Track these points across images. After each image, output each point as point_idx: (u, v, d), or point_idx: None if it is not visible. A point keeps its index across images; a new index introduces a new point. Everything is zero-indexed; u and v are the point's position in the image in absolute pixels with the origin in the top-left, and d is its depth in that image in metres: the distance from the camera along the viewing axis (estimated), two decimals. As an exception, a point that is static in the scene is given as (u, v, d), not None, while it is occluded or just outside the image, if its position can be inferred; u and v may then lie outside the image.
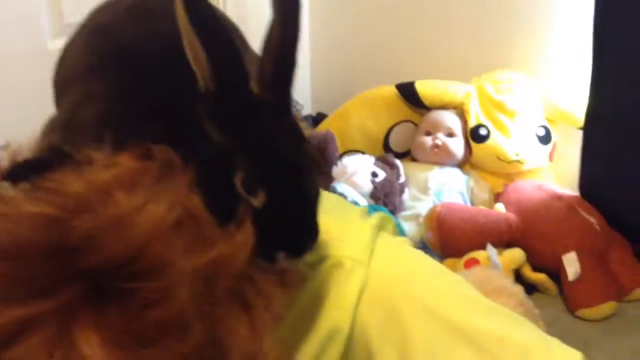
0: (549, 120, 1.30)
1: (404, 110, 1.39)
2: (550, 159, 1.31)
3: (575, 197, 1.21)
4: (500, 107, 1.27)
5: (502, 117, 1.27)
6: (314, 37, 1.53)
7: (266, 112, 0.43)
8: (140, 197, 0.38)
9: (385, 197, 1.21)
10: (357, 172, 1.22)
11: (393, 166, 1.27)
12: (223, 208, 0.41)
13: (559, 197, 1.20)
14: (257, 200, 0.41)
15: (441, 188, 1.27)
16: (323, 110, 1.57)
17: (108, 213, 0.36)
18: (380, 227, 0.54)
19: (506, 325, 0.48)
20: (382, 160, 1.28)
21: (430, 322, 0.46)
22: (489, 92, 1.29)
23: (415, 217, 1.24)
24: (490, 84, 1.30)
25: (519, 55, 1.34)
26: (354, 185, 1.20)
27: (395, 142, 1.39)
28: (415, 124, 1.38)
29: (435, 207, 1.19)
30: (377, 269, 0.49)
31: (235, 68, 0.42)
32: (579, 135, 1.20)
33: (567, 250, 1.13)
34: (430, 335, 0.46)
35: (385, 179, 1.22)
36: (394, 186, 1.23)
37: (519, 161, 1.25)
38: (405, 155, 1.41)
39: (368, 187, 1.21)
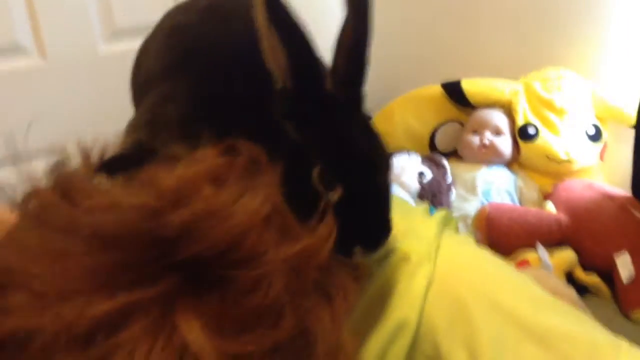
0: (599, 119, 1.27)
1: (449, 109, 1.38)
2: (601, 157, 1.29)
3: (627, 196, 1.18)
4: (549, 105, 1.25)
5: (551, 116, 1.25)
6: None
7: (341, 108, 0.44)
8: (235, 191, 0.39)
9: (433, 197, 1.20)
10: (405, 171, 1.22)
11: (440, 166, 1.26)
12: (304, 202, 0.42)
13: (611, 197, 1.17)
14: (335, 195, 0.42)
15: (489, 188, 1.25)
16: (368, 111, 1.55)
17: (204, 205, 0.38)
18: (444, 224, 0.54)
19: (573, 323, 0.48)
20: (429, 160, 1.27)
21: (497, 317, 0.46)
22: (537, 90, 1.27)
23: (463, 217, 1.22)
24: (539, 81, 1.28)
25: (568, 52, 1.31)
26: (402, 185, 1.19)
27: (440, 142, 1.39)
28: (461, 123, 1.37)
29: (484, 207, 1.18)
30: (444, 264, 0.49)
31: (312, 67, 0.43)
32: (630, 134, 1.17)
33: (619, 250, 1.11)
34: (498, 331, 0.46)
35: (433, 179, 1.22)
36: (441, 186, 1.22)
37: (568, 160, 1.23)
38: (450, 155, 1.40)
39: (415, 186, 1.21)
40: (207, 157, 0.43)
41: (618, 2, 1.24)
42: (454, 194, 1.27)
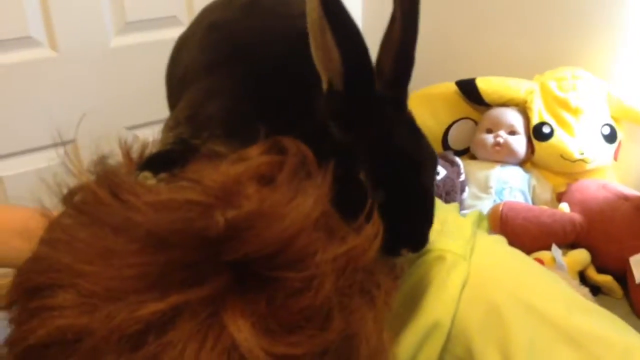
0: (614, 119, 1.26)
1: (463, 107, 1.37)
2: (615, 157, 1.28)
3: (641, 197, 1.18)
4: (564, 104, 1.24)
5: (566, 115, 1.24)
6: (371, 34, 1.53)
7: (388, 108, 0.44)
8: (287, 192, 0.39)
9: (446, 195, 1.20)
10: (419, 169, 1.21)
11: (454, 164, 1.25)
12: (351, 203, 0.42)
13: (625, 197, 1.17)
14: (382, 196, 0.42)
15: (502, 187, 1.25)
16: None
17: (257, 205, 0.37)
18: (477, 225, 0.53)
19: (606, 325, 0.48)
20: (442, 158, 1.27)
21: (530, 319, 0.46)
22: (552, 89, 1.26)
23: (477, 215, 1.22)
24: (554, 81, 1.27)
25: (583, 52, 1.31)
26: (416, 183, 1.19)
27: (454, 140, 1.38)
28: (475, 122, 1.36)
29: (498, 205, 1.18)
30: (478, 265, 0.49)
31: (366, 68, 0.43)
32: (645, 134, 1.17)
33: (633, 251, 1.10)
34: (531, 333, 0.46)
35: (447, 177, 1.21)
36: (455, 184, 1.22)
37: (583, 160, 1.23)
38: (463, 153, 1.39)
39: (429, 184, 1.20)
40: (254, 155, 0.43)
41: (633, 3, 1.23)
42: (467, 193, 1.26)
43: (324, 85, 0.44)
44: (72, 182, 0.44)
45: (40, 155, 1.30)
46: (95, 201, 0.40)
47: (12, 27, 1.20)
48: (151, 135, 0.50)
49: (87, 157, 0.47)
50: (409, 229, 0.44)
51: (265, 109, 0.47)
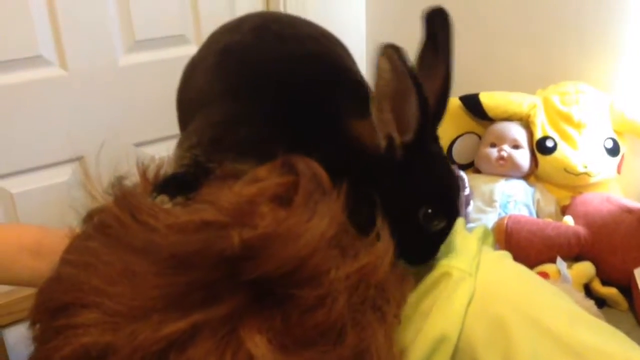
0: (616, 132, 1.28)
1: (467, 122, 1.38)
2: (619, 170, 1.29)
3: (645, 210, 1.18)
4: (567, 118, 1.26)
5: (569, 129, 1.25)
6: (374, 37, 1.55)
7: (433, 145, 0.49)
8: (303, 213, 0.40)
9: (451, 209, 1.20)
10: (424, 183, 1.22)
11: (458, 178, 1.26)
12: (364, 220, 0.43)
13: (629, 210, 1.17)
14: (437, 227, 0.48)
15: (507, 200, 1.26)
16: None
17: (274, 226, 0.38)
18: (483, 241, 0.54)
19: (610, 341, 0.48)
20: (447, 172, 1.27)
21: (534, 332, 0.47)
22: (555, 104, 1.27)
23: (482, 229, 1.23)
24: (557, 95, 1.28)
25: (586, 66, 1.32)
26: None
27: (458, 154, 1.39)
28: (479, 136, 1.38)
29: (502, 219, 1.19)
30: (483, 281, 0.50)
31: (439, 115, 0.46)
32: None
33: (638, 263, 1.11)
34: (535, 347, 0.46)
35: (452, 191, 1.22)
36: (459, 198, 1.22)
37: (587, 173, 1.24)
38: (468, 167, 1.40)
39: (434, 199, 1.21)
40: (266, 176, 0.44)
41: (636, 17, 1.24)
42: (471, 206, 1.27)
43: (382, 142, 0.47)
44: (87, 201, 0.45)
45: (50, 172, 1.32)
46: (117, 224, 0.41)
47: (23, 47, 1.23)
48: (165, 151, 0.51)
49: (96, 173, 0.48)
50: (433, 244, 0.50)
51: (297, 134, 0.48)
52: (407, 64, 0.43)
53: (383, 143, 0.47)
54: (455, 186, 0.50)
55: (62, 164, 1.33)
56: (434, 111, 0.47)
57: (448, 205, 0.49)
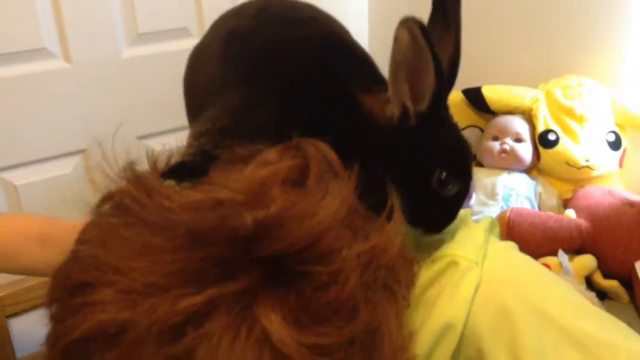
0: (618, 126, 1.28)
1: (469, 115, 1.39)
2: (620, 164, 1.30)
3: (647, 203, 1.19)
4: (570, 112, 1.26)
5: (571, 123, 1.26)
6: (376, 43, 1.55)
7: (444, 112, 0.50)
8: (316, 193, 0.41)
9: (454, 202, 1.21)
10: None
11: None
12: (376, 201, 0.44)
13: (631, 203, 1.18)
14: (452, 191, 0.49)
15: (509, 193, 1.26)
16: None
17: (282, 207, 0.39)
18: (489, 231, 0.55)
19: (612, 331, 0.48)
20: (449, 165, 1.28)
21: (539, 321, 0.47)
22: (557, 97, 1.28)
23: (484, 222, 1.23)
24: (559, 89, 1.29)
25: (588, 60, 1.32)
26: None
27: (460, 147, 1.39)
28: (481, 129, 1.38)
29: (505, 212, 1.19)
30: (490, 270, 0.51)
31: (449, 85, 0.47)
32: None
33: (639, 256, 1.12)
34: (540, 336, 0.47)
35: (454, 184, 1.22)
36: (462, 191, 1.23)
37: (589, 167, 1.24)
38: (470, 160, 1.41)
39: (437, 191, 1.21)
40: (276, 158, 0.45)
41: (638, 11, 1.25)
42: (474, 199, 1.28)
43: (397, 110, 0.48)
44: (94, 190, 0.45)
45: (53, 164, 1.32)
46: (135, 202, 0.42)
47: (27, 39, 1.23)
48: (168, 143, 0.52)
49: (99, 164, 0.48)
50: (449, 212, 0.51)
51: (313, 116, 0.49)
52: (427, 37, 0.43)
53: (397, 112, 0.47)
54: (466, 150, 0.50)
55: (66, 156, 1.33)
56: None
57: (461, 168, 0.49)
